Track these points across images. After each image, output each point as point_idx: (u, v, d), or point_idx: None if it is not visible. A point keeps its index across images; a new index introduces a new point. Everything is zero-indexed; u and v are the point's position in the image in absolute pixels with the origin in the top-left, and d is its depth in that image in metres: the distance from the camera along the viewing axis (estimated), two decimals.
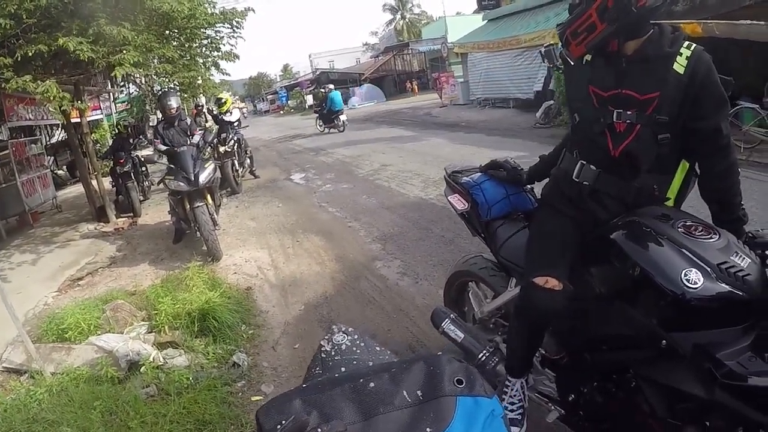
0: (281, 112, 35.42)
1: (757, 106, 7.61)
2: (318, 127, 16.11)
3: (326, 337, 1.19)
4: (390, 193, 6.78)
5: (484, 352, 2.10)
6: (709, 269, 1.30)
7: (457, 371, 0.98)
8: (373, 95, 30.99)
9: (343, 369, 1.09)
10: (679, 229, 1.42)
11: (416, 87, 31.06)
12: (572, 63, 1.66)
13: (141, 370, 2.98)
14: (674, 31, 1.56)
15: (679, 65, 1.49)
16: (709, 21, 7.99)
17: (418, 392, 0.92)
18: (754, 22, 7.33)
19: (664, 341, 1.40)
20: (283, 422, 0.75)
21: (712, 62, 1.51)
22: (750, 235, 1.54)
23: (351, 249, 4.78)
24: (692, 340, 1.33)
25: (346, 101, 27.40)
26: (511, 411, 1.83)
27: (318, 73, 38.67)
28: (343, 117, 15.37)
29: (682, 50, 1.50)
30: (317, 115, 16.37)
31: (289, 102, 38.26)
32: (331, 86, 16.39)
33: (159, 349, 3.17)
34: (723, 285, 1.28)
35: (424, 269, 4.03)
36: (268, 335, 3.37)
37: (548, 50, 1.76)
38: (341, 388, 0.91)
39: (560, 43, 1.65)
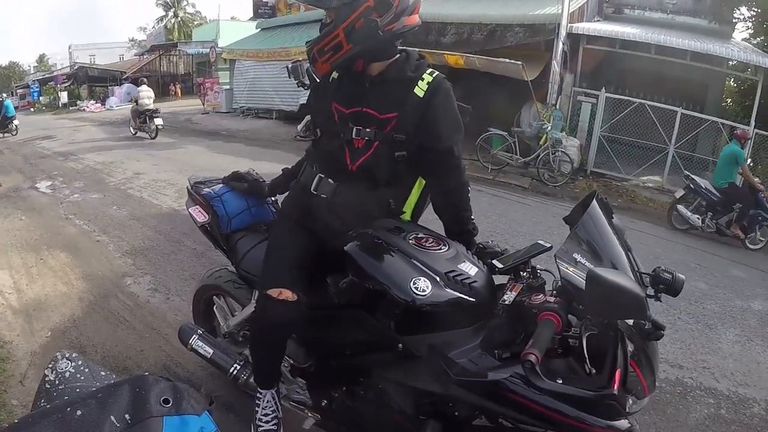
0: (32, 109, 29.31)
1: (506, 133, 8.91)
2: None
3: (50, 366, 1.10)
4: (142, 203, 6.27)
5: (235, 365, 2.02)
6: (437, 278, 1.38)
7: (163, 391, 0.99)
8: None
9: (66, 398, 1.01)
10: (410, 241, 1.50)
11: (179, 91, 28.74)
12: (318, 80, 1.68)
13: None
14: (420, 58, 1.65)
15: (420, 89, 1.57)
16: (471, 55, 9.01)
17: (126, 416, 0.92)
18: (511, 60, 8.46)
19: (400, 345, 1.48)
20: None
21: (453, 90, 1.62)
22: (480, 246, 1.73)
23: (99, 265, 4.25)
24: (427, 342, 1.43)
25: (104, 101, 27.13)
26: (266, 422, 1.80)
27: (76, 67, 33.65)
28: (15, 122, 15.74)
29: (425, 76, 1.58)
30: None
31: (41, 98, 31.84)
32: (4, 95, 17.12)
33: None
34: (451, 291, 1.37)
35: (176, 284, 3.80)
36: (14, 369, 2.86)
37: (294, 66, 1.74)
38: (49, 419, 0.87)
39: (308, 60, 1.65)
